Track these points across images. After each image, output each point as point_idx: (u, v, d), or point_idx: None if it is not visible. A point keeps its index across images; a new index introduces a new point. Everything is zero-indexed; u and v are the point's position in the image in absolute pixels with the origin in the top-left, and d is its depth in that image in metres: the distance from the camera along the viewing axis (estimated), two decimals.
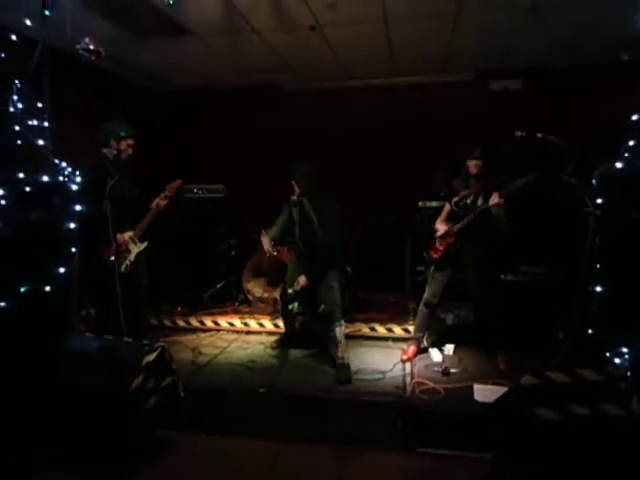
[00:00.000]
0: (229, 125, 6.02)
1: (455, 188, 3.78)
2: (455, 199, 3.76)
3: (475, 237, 3.61)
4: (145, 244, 3.76)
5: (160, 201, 3.75)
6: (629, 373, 2.59)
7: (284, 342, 4.35)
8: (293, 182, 3.84)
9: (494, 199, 3.37)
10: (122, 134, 3.61)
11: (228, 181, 5.79)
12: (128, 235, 3.68)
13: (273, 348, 4.31)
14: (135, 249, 3.71)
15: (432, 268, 3.88)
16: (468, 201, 3.67)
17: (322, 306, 3.75)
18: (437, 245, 3.81)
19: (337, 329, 3.71)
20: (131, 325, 3.37)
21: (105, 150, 3.62)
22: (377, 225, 5.49)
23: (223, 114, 6.07)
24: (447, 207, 3.87)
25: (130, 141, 3.66)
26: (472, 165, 3.62)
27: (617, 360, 2.72)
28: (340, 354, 3.70)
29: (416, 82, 5.57)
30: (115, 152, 3.60)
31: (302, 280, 3.71)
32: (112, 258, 3.43)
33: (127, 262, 3.65)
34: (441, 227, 3.81)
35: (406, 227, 5.21)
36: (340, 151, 5.52)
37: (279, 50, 4.66)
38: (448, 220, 3.82)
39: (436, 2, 3.63)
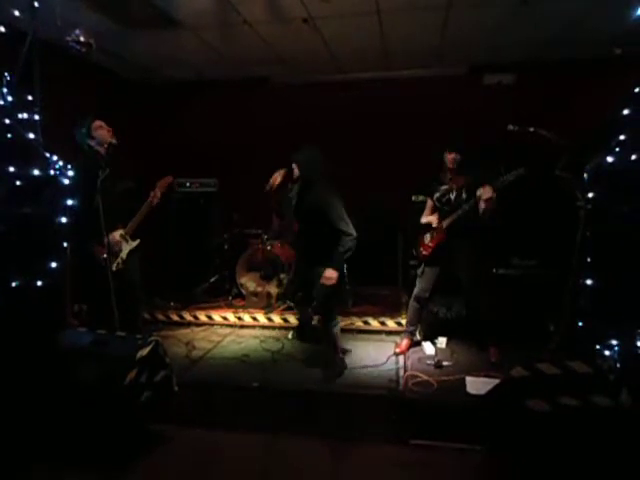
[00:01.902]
0: (220, 118, 5.97)
1: (436, 183, 3.75)
2: (437, 195, 3.72)
3: (464, 232, 3.60)
4: (137, 242, 3.74)
5: (152, 199, 3.72)
6: (618, 365, 2.63)
7: (300, 335, 4.38)
8: (293, 164, 3.60)
9: (487, 193, 3.32)
10: (84, 131, 3.52)
11: (220, 175, 5.77)
12: (119, 233, 3.65)
13: (289, 340, 4.36)
14: (127, 247, 3.69)
15: (422, 263, 3.89)
16: (451, 196, 3.65)
17: (314, 303, 3.70)
18: (427, 242, 3.79)
19: (334, 328, 3.59)
20: (124, 320, 3.36)
21: (96, 148, 3.56)
22: (370, 219, 5.50)
23: (214, 107, 6.03)
24: (430, 203, 3.85)
25: (96, 124, 3.53)
26: (450, 159, 3.59)
27: (606, 352, 2.75)
28: (334, 350, 3.65)
29: (409, 76, 5.56)
30: (99, 144, 3.53)
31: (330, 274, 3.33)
32: (104, 256, 3.41)
33: (119, 260, 3.63)
34: (433, 218, 3.74)
35: (399, 221, 5.22)
36: (332, 145, 5.46)
37: (271, 42, 4.62)
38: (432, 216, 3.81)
39: None
